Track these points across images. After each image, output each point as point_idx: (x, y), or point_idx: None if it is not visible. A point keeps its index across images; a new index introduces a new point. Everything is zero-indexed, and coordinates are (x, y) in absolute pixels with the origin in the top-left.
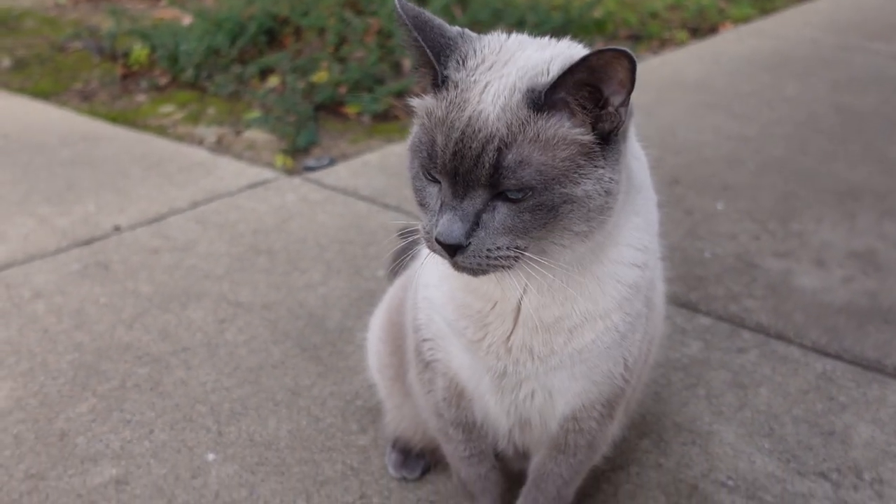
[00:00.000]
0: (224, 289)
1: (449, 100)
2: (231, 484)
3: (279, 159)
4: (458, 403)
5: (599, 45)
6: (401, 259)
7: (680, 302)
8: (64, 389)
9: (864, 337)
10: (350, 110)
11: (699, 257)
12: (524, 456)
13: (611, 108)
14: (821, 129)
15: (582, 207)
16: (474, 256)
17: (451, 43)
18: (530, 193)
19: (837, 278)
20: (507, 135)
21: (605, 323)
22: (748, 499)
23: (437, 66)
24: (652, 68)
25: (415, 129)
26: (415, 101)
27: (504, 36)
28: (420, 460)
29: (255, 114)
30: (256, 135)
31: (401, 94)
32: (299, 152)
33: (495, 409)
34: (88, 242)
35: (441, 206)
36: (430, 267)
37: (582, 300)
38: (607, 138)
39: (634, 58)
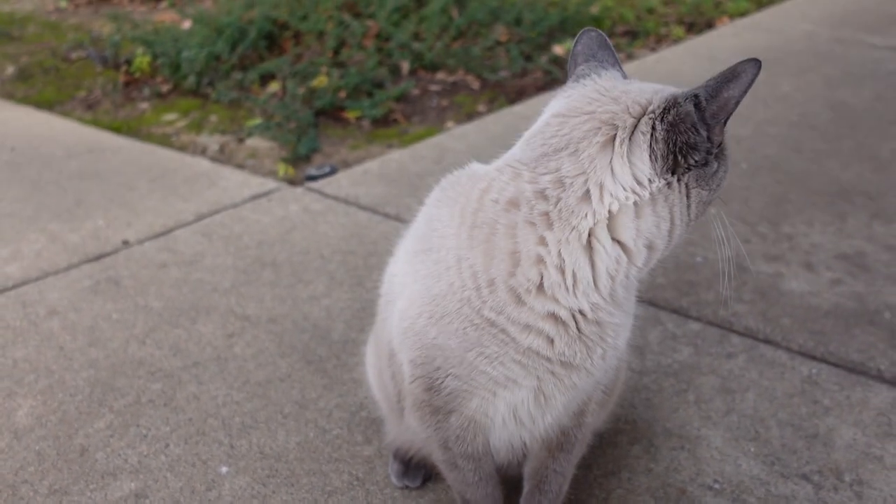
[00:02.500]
0: (231, 302)
1: None
2: (244, 496)
3: (281, 168)
4: (474, 438)
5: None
6: None
7: (672, 308)
8: (82, 406)
9: (850, 340)
10: (350, 115)
11: (691, 262)
12: (519, 464)
13: None
14: (815, 126)
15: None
16: None
17: None
18: None
19: (825, 281)
20: None
21: (629, 326)
22: (733, 501)
23: None
24: (648, 67)
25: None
26: None
27: None
28: (421, 469)
29: (257, 120)
30: (258, 143)
31: (400, 99)
32: (301, 160)
33: (525, 417)
34: (98, 258)
35: None
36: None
37: (628, 304)
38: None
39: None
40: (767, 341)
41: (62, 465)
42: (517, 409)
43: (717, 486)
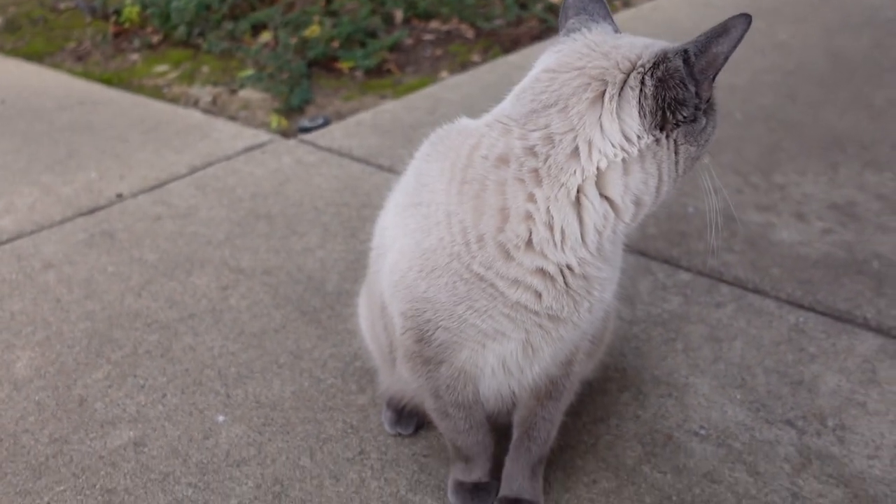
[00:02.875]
0: (225, 255)
1: None
2: (240, 443)
3: (274, 120)
4: (464, 387)
5: None
6: None
7: (663, 258)
8: (80, 357)
9: (838, 289)
10: (343, 65)
11: (682, 213)
12: (509, 412)
13: None
14: (811, 75)
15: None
16: None
17: None
18: None
19: (816, 231)
20: None
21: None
22: (718, 447)
23: None
24: (644, 15)
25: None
26: None
27: None
28: (413, 417)
29: (249, 72)
30: (251, 94)
31: (393, 49)
32: (294, 111)
33: (514, 366)
34: (92, 211)
35: None
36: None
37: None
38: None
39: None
40: (756, 290)
41: (62, 414)
42: (506, 360)
43: (702, 431)
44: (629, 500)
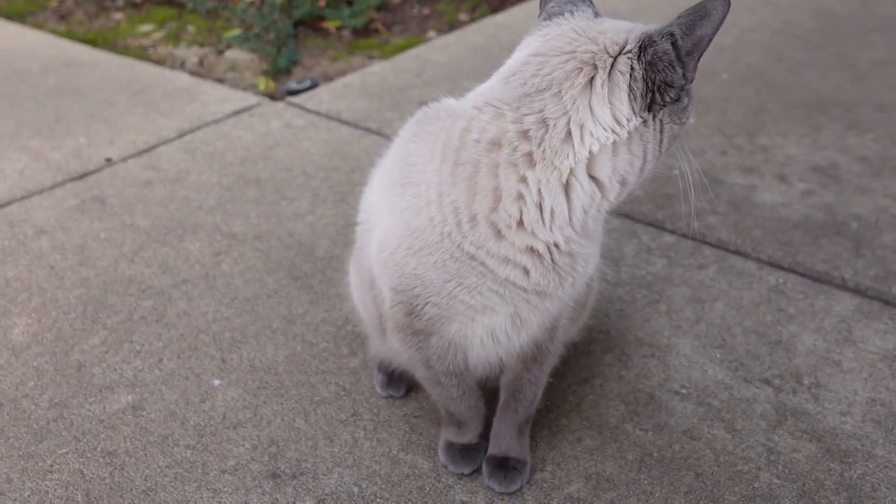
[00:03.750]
0: (217, 220)
1: None
2: (236, 406)
3: (262, 83)
4: (454, 357)
5: None
6: None
7: (647, 220)
8: (76, 323)
9: (817, 250)
10: (330, 25)
11: (668, 175)
12: (496, 377)
13: None
14: (797, 34)
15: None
16: None
17: None
18: None
19: (797, 193)
20: None
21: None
22: (698, 405)
23: None
24: None
25: None
26: None
27: None
28: (404, 380)
29: (235, 31)
30: (238, 55)
31: (381, 8)
32: (281, 73)
33: (503, 337)
34: (83, 176)
35: None
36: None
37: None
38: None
39: None
40: (738, 252)
41: (60, 379)
42: (495, 331)
43: (683, 391)
44: (612, 457)
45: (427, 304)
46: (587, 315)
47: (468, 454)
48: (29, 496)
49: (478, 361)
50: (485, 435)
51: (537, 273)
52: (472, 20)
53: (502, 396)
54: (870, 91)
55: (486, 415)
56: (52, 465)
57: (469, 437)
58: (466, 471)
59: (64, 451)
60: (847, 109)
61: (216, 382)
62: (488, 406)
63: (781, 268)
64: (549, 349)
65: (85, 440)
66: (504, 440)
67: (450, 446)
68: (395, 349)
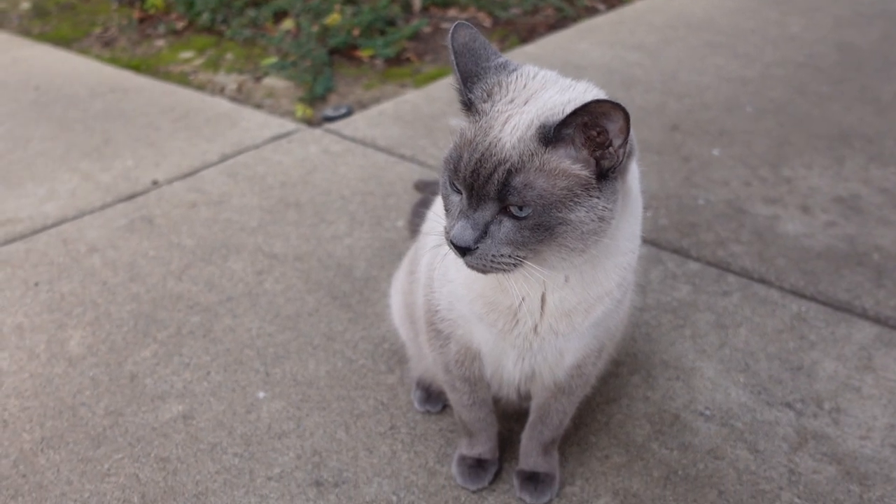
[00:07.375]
0: (259, 241)
1: (478, 125)
2: (281, 417)
3: (299, 109)
4: (470, 364)
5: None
6: (419, 212)
7: (673, 248)
8: (128, 337)
9: (839, 279)
10: (363, 54)
11: (693, 204)
12: (525, 398)
13: (611, 149)
14: (821, 68)
15: (575, 230)
16: (480, 259)
17: (483, 73)
18: (531, 213)
19: (820, 223)
20: (518, 162)
21: (610, 297)
22: (721, 426)
23: (462, 89)
24: (658, 7)
25: (450, 145)
26: (454, 122)
27: (532, 72)
28: (441, 396)
29: (272, 59)
30: (275, 82)
31: (413, 37)
32: (317, 99)
33: (510, 371)
34: (131, 197)
35: (458, 213)
36: (453, 265)
37: (595, 286)
38: (606, 174)
39: (627, 111)
40: (762, 280)
41: (115, 389)
42: (502, 362)
43: (707, 412)
44: (639, 473)
45: (439, 301)
46: (616, 347)
47: (477, 471)
48: (88, 497)
49: (494, 378)
50: (502, 454)
51: (508, 327)
52: (502, 50)
53: (531, 416)
54: (892, 124)
55: (501, 432)
56: (109, 469)
57: (479, 450)
58: (472, 487)
59: (120, 456)
60: (870, 142)
61: (261, 395)
62: (519, 423)
63: (804, 296)
64: (577, 384)
65: (139, 446)
66: (531, 457)
67: (462, 460)
68: (426, 354)
